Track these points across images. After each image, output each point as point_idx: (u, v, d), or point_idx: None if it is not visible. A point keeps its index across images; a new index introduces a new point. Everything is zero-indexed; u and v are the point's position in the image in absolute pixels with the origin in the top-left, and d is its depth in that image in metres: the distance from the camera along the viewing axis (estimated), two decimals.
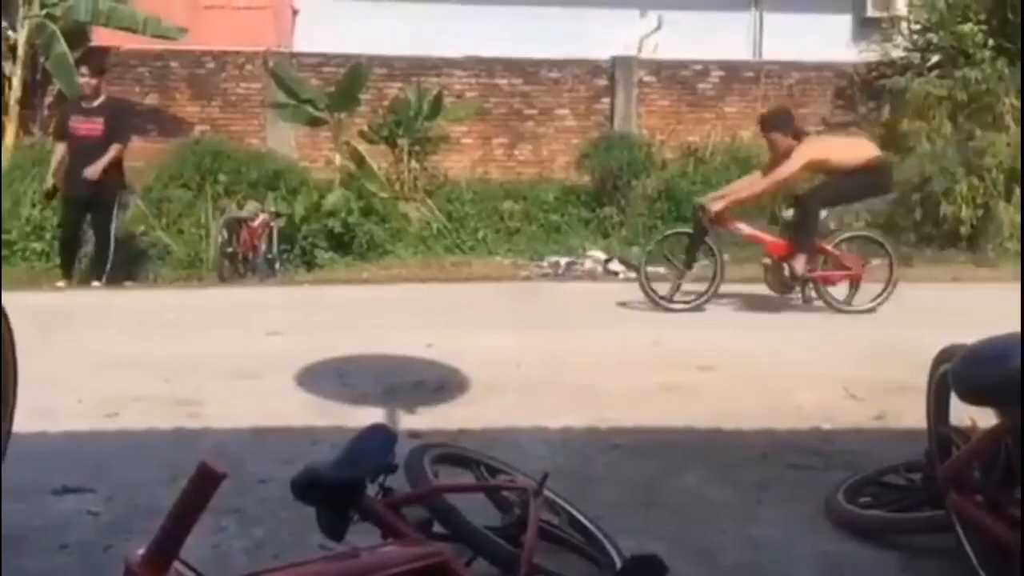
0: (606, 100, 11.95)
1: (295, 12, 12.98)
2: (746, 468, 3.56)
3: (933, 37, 11.46)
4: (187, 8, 12.03)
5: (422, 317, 6.74)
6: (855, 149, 7.16)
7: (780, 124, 7.07)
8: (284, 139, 11.31)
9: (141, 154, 10.95)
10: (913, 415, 3.25)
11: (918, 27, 11.73)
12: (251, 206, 9.35)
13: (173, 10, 11.57)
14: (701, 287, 7.04)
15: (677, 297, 7.00)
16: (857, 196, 7.18)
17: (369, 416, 3.85)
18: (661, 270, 7.30)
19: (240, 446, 3.64)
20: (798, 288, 7.00)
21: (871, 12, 12.97)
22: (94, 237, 8.45)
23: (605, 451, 3.74)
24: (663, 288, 6.99)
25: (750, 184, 7.33)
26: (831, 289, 6.96)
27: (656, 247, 7.31)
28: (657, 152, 11.39)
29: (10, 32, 10.61)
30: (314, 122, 10.44)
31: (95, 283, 8.21)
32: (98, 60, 9.94)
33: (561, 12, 12.76)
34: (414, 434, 3.60)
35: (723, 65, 12.24)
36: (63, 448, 3.57)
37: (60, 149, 8.44)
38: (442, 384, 4.67)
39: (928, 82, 10.89)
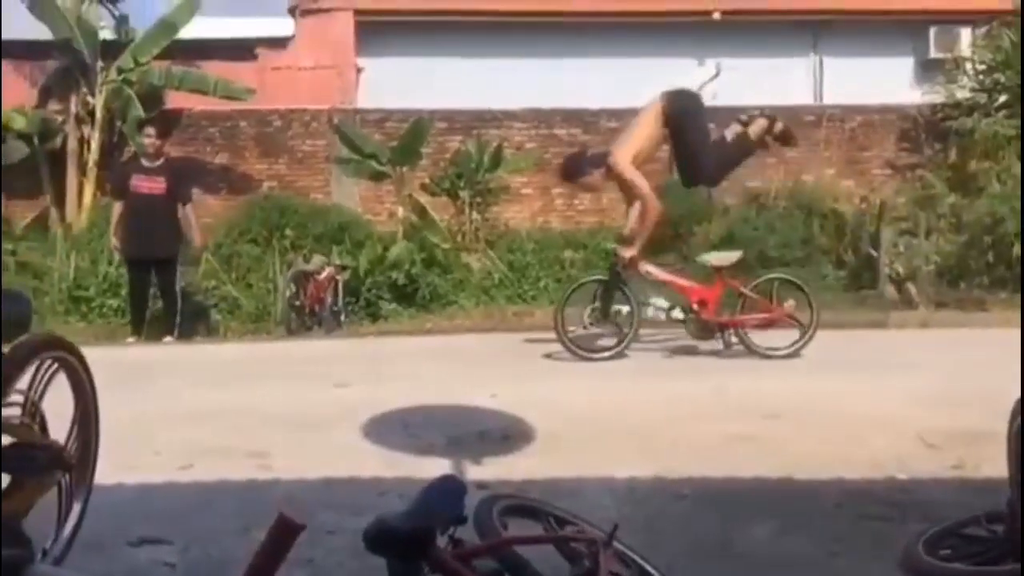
0: (666, 148, 11.95)
1: (359, 70, 13.33)
2: (819, 519, 3.47)
3: (1000, 76, 11.30)
4: (255, 70, 12.49)
5: (485, 367, 6.76)
6: (647, 116, 6.99)
7: (580, 166, 7.01)
8: (349, 193, 11.57)
9: (211, 211, 11.33)
10: (992, 464, 3.15)
11: (983, 67, 11.57)
12: (317, 260, 9.55)
13: (242, 72, 12.01)
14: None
15: (596, 345, 6.93)
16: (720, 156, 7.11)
17: (435, 466, 3.87)
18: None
19: (309, 497, 3.68)
20: (719, 334, 6.91)
21: (934, 54, 12.84)
22: (161, 295, 8.65)
23: (673, 501, 3.69)
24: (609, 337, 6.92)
25: (640, 220, 7.05)
26: (752, 334, 6.88)
27: (573, 295, 7.15)
28: (718, 198, 11.35)
29: (89, 97, 11.10)
30: (377, 176, 10.67)
31: (167, 338, 8.42)
32: (163, 121, 10.33)
33: (618, 63, 12.90)
34: (480, 485, 3.59)
35: (784, 110, 12.17)
36: (140, 499, 3.65)
37: (118, 208, 8.56)
38: (507, 434, 4.66)
39: (996, 122, 10.73)
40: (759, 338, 6.87)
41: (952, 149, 11.60)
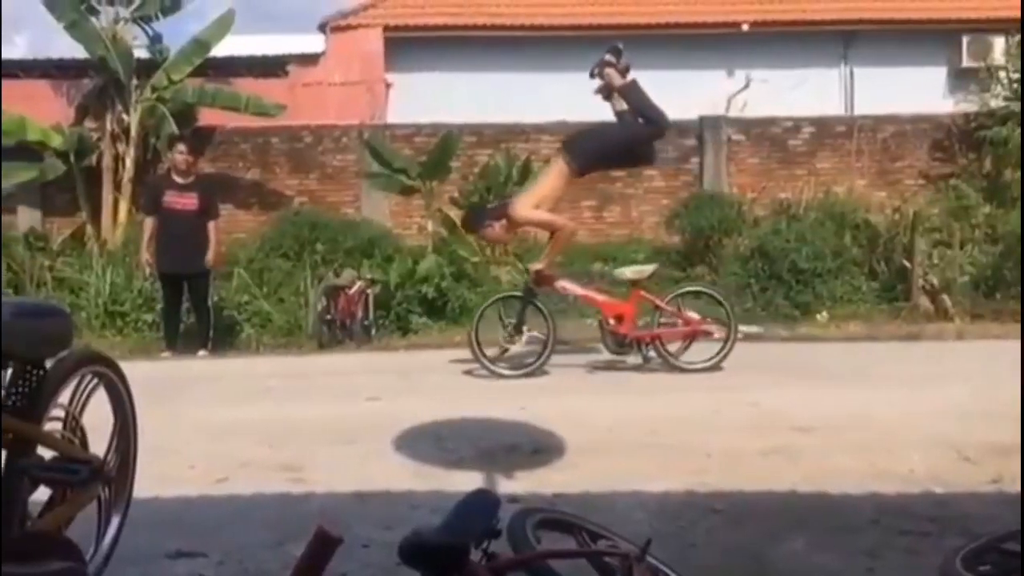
0: (695, 160, 11.97)
1: (388, 85, 13.45)
2: (855, 534, 3.44)
3: None
4: (286, 86, 12.64)
5: (515, 380, 6.77)
6: (550, 171, 6.91)
7: (480, 219, 7.02)
8: (378, 208, 11.65)
9: (243, 226, 11.46)
10: None
11: (1017, 75, 11.45)
12: (347, 274, 9.61)
13: (273, 89, 12.16)
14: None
15: (513, 362, 6.89)
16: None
17: (466, 480, 3.88)
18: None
19: (343, 510, 3.70)
20: (637, 348, 6.86)
21: (967, 63, 12.74)
22: (194, 309, 8.73)
23: (705, 516, 3.67)
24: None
25: (554, 242, 7.05)
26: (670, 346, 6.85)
27: (488, 311, 7.11)
28: (748, 210, 11.30)
29: (124, 115, 11.29)
30: (407, 191, 10.74)
31: (200, 352, 8.51)
32: (196, 138, 10.46)
33: (647, 76, 12.83)
34: (512, 498, 3.59)
35: (814, 121, 12.14)
36: (176, 512, 3.69)
37: (150, 223, 8.61)
38: (537, 447, 4.66)
39: None
40: (678, 351, 6.88)
41: (986, 159, 11.48)
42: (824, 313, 9.91)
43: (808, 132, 12.10)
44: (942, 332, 8.97)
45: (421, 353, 8.31)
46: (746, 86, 13.09)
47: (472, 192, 10.82)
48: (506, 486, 4.00)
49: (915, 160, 12.00)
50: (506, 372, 6.82)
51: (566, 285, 7.11)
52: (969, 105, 11.85)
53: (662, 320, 6.90)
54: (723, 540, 3.41)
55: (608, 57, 6.72)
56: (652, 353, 6.86)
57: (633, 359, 6.96)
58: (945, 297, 9.66)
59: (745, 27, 13.53)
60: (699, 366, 6.81)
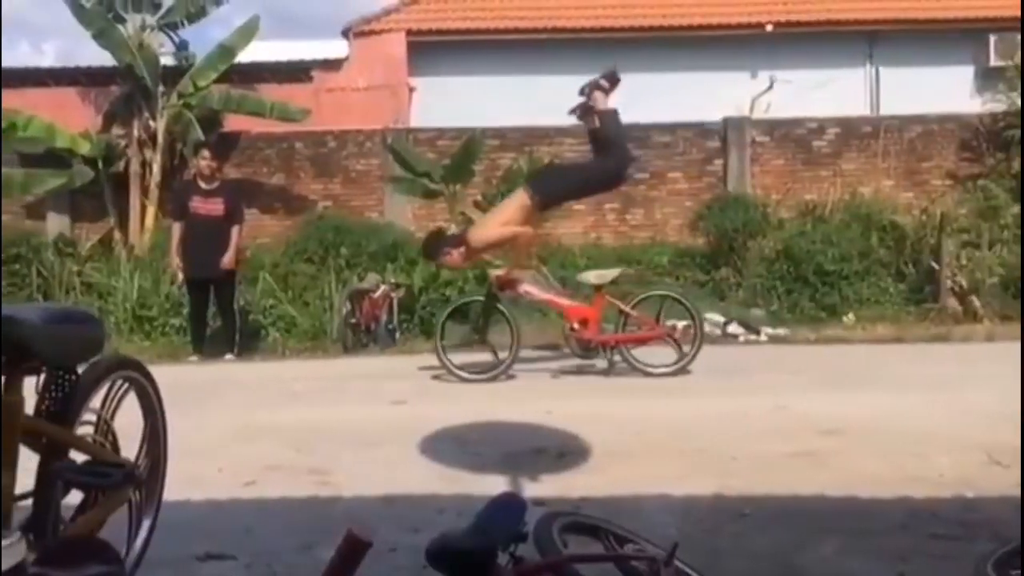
0: (718, 162, 11.92)
1: (411, 90, 13.50)
2: (885, 538, 3.41)
3: None
4: (310, 91, 12.72)
5: (540, 383, 6.78)
6: (510, 204, 6.90)
7: (438, 246, 7.02)
8: (402, 212, 11.69)
9: (268, 231, 11.54)
10: None
11: None
12: (372, 278, 9.65)
13: (297, 94, 12.24)
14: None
15: (478, 366, 6.93)
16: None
17: (492, 484, 3.89)
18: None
19: (369, 514, 3.72)
20: (602, 352, 6.88)
21: (994, 62, 12.60)
22: (220, 314, 8.81)
23: (733, 520, 3.65)
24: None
25: (515, 250, 7.18)
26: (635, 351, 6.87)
27: (451, 316, 7.19)
28: (773, 212, 11.24)
29: (151, 121, 11.41)
30: (430, 194, 10.76)
31: (227, 356, 8.58)
32: (222, 144, 10.53)
33: (670, 78, 12.89)
34: (538, 502, 3.59)
35: (839, 122, 12.05)
36: (205, 515, 3.72)
37: (178, 228, 8.69)
38: (563, 451, 4.66)
39: None
40: (643, 355, 6.92)
41: (1015, 158, 11.34)
42: (851, 315, 9.84)
43: (833, 133, 12.01)
44: (971, 334, 8.88)
45: None
46: (770, 87, 13.02)
47: (495, 195, 10.82)
48: (532, 489, 4.00)
49: (942, 160, 11.88)
50: (472, 377, 6.87)
51: (529, 290, 7.17)
52: (997, 104, 11.72)
53: (628, 324, 6.94)
54: (751, 544, 3.40)
55: (602, 83, 6.74)
56: (617, 357, 6.89)
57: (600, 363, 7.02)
58: (974, 298, 9.56)
59: (769, 28, 13.47)
60: (664, 371, 6.83)
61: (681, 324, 7.09)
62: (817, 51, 13.39)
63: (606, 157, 6.78)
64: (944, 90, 12.28)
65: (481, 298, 7.14)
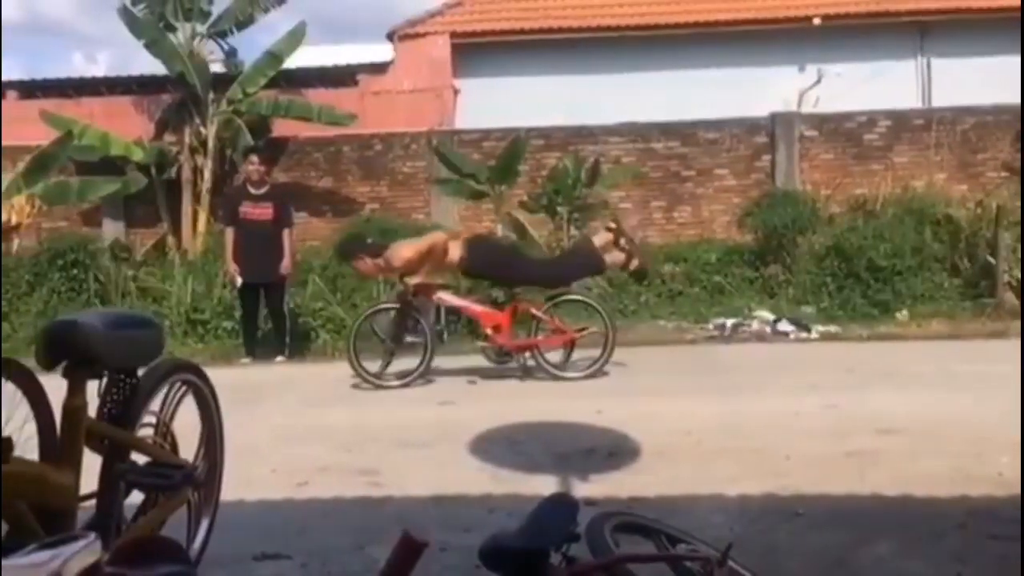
0: (766, 157, 11.78)
1: (456, 92, 13.56)
2: (942, 539, 3.35)
3: None
4: (356, 95, 12.84)
5: (589, 383, 6.77)
6: (433, 239, 7.12)
7: (354, 250, 7.17)
8: (448, 213, 11.74)
9: (317, 233, 11.66)
10: None
11: None
12: None
13: (343, 98, 12.37)
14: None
15: (392, 372, 6.97)
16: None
17: (542, 484, 3.90)
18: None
19: (420, 514, 3.75)
20: (516, 358, 6.97)
21: None
22: (271, 316, 8.93)
23: (787, 519, 3.62)
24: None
25: (431, 259, 7.11)
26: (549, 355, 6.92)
27: (364, 322, 7.21)
28: (823, 207, 11.07)
29: (202, 128, 11.61)
30: (476, 195, 10.79)
31: (278, 358, 8.69)
32: (271, 149, 10.64)
33: (716, 74, 12.78)
34: (589, 502, 3.59)
35: (890, 114, 11.84)
36: (260, 516, 3.79)
37: (230, 234, 8.81)
38: (614, 451, 4.66)
39: None
40: (558, 359, 6.96)
41: None
42: (904, 311, 9.67)
43: (884, 126, 11.80)
44: None
45: None
46: (818, 81, 12.85)
47: (541, 195, 10.83)
48: (582, 489, 4.00)
49: (997, 152, 11.60)
50: (387, 383, 6.94)
51: (443, 296, 7.28)
52: None
53: (539, 328, 7.01)
54: (806, 544, 3.36)
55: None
56: (532, 363, 6.95)
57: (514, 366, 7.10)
58: None
59: (816, 21, 13.28)
60: (579, 374, 6.87)
61: (592, 328, 7.10)
62: (866, 43, 13.18)
63: (561, 268, 7.32)
64: (997, 80, 11.99)
65: (395, 305, 7.21)
